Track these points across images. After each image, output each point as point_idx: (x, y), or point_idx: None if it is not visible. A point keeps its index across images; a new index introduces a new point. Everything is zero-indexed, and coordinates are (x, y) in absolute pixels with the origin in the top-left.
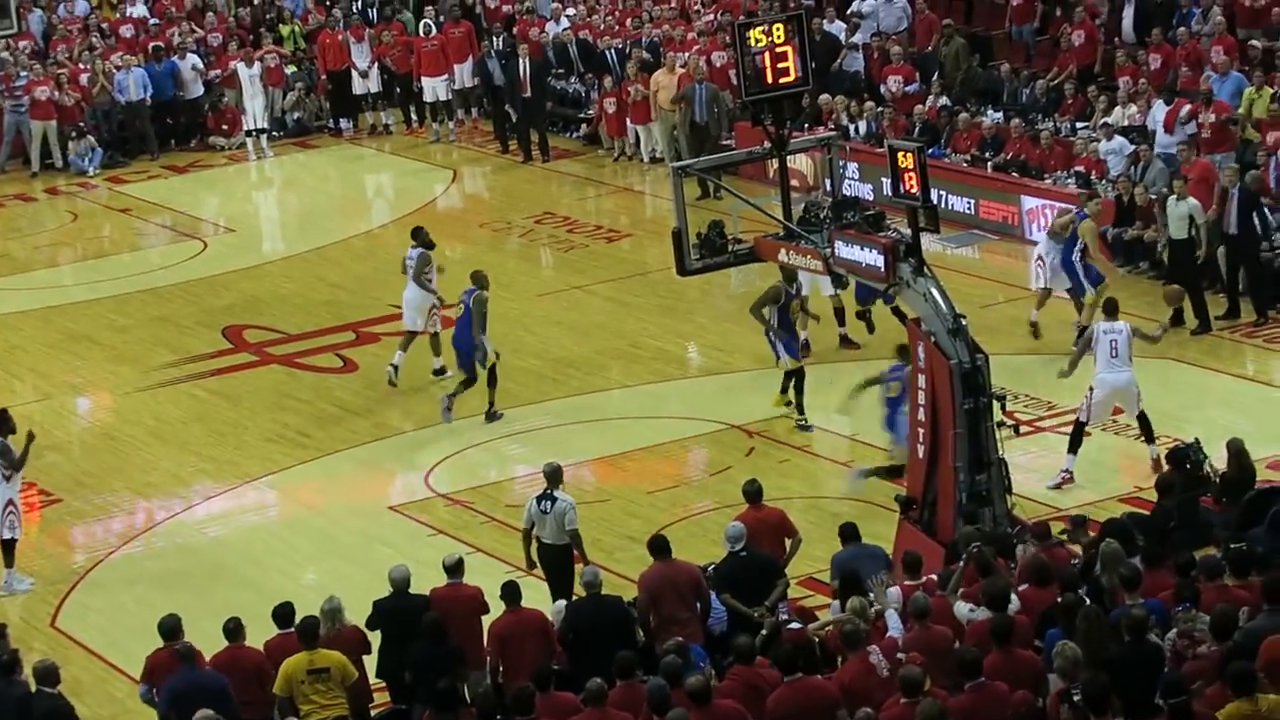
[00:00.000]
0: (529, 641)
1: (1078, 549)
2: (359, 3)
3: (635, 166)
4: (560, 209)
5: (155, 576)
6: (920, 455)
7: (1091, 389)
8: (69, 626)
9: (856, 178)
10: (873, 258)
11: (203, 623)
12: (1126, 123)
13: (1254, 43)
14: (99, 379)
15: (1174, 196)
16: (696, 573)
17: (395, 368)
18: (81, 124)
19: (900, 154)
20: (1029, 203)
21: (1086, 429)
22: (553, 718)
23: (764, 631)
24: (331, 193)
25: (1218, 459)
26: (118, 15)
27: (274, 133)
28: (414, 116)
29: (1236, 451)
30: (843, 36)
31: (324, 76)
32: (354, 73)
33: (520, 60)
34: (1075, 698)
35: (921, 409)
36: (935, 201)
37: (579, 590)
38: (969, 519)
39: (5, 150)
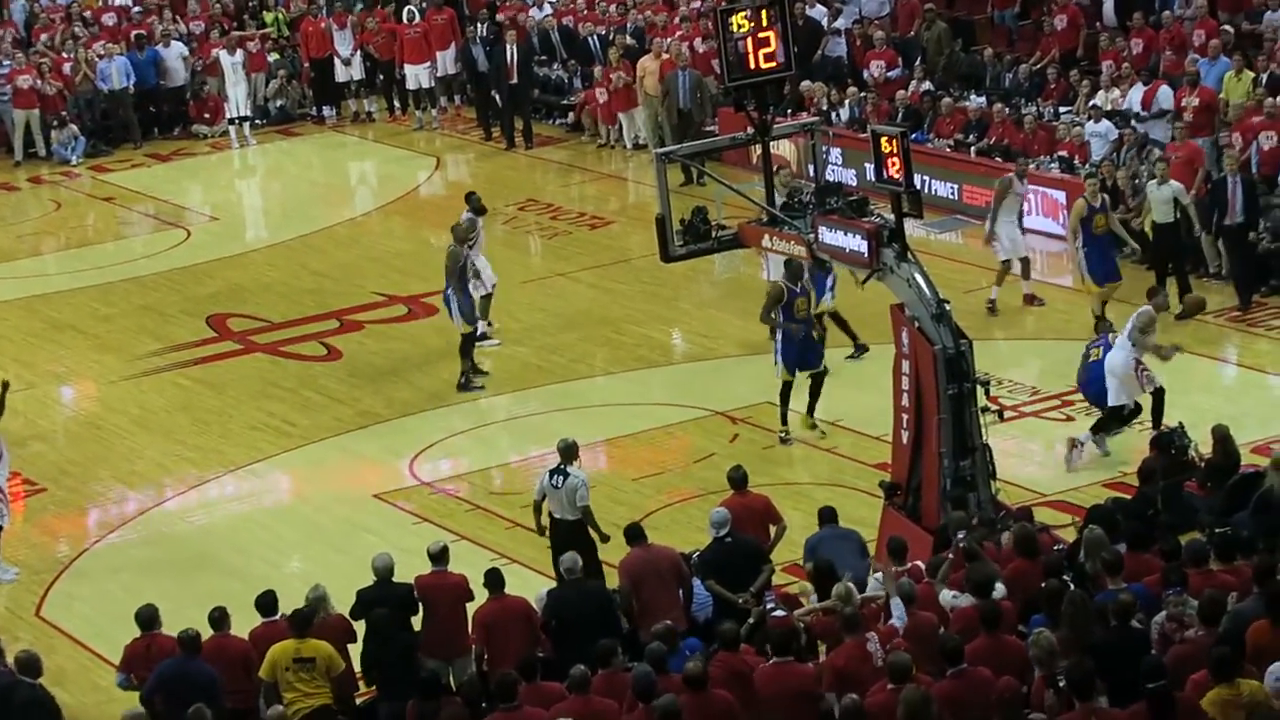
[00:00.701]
0: (513, 629)
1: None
2: None
3: (619, 153)
4: (544, 196)
5: (140, 565)
6: (904, 441)
7: None
8: (54, 616)
9: (840, 163)
10: (856, 243)
11: (188, 611)
12: (1110, 107)
13: (1226, 27)
14: (83, 368)
15: (1155, 180)
16: (677, 557)
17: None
18: (64, 113)
19: (883, 139)
20: None
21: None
22: (537, 705)
23: (750, 620)
24: (315, 180)
25: (1203, 444)
26: (100, 3)
27: (257, 120)
28: (397, 104)
29: (1221, 438)
30: (825, 22)
31: (307, 64)
32: (337, 60)
33: (506, 46)
34: (1060, 683)
35: (905, 394)
36: (919, 187)
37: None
38: (956, 504)
39: None
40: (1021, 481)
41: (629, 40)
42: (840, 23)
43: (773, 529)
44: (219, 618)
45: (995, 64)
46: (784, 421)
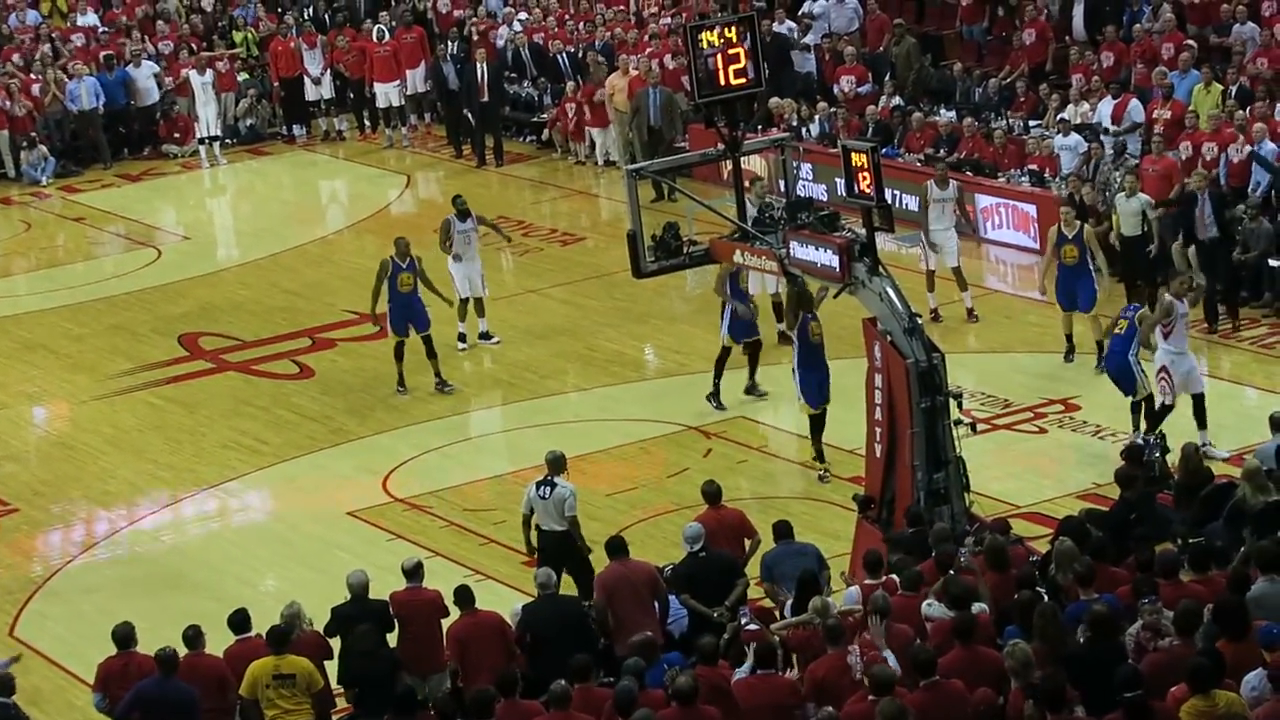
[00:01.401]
0: (488, 644)
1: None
2: (311, 9)
3: (590, 170)
4: (515, 213)
5: (113, 585)
6: (878, 454)
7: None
8: (28, 635)
9: (810, 178)
10: (828, 258)
11: (162, 630)
12: (1079, 120)
13: (1189, 42)
14: (55, 388)
15: (1124, 193)
16: (653, 572)
17: (463, 335)
18: (34, 133)
19: (854, 154)
20: (983, 201)
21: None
22: None
23: (725, 636)
24: (285, 199)
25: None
26: (68, 24)
27: (227, 140)
28: (367, 122)
29: (1186, 457)
30: (794, 37)
31: (277, 83)
32: (306, 79)
33: (476, 64)
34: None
35: (878, 408)
36: (889, 201)
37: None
38: (913, 520)
39: None
40: (994, 494)
41: (599, 58)
42: (809, 38)
43: (747, 543)
44: (193, 636)
45: (965, 78)
46: (820, 458)
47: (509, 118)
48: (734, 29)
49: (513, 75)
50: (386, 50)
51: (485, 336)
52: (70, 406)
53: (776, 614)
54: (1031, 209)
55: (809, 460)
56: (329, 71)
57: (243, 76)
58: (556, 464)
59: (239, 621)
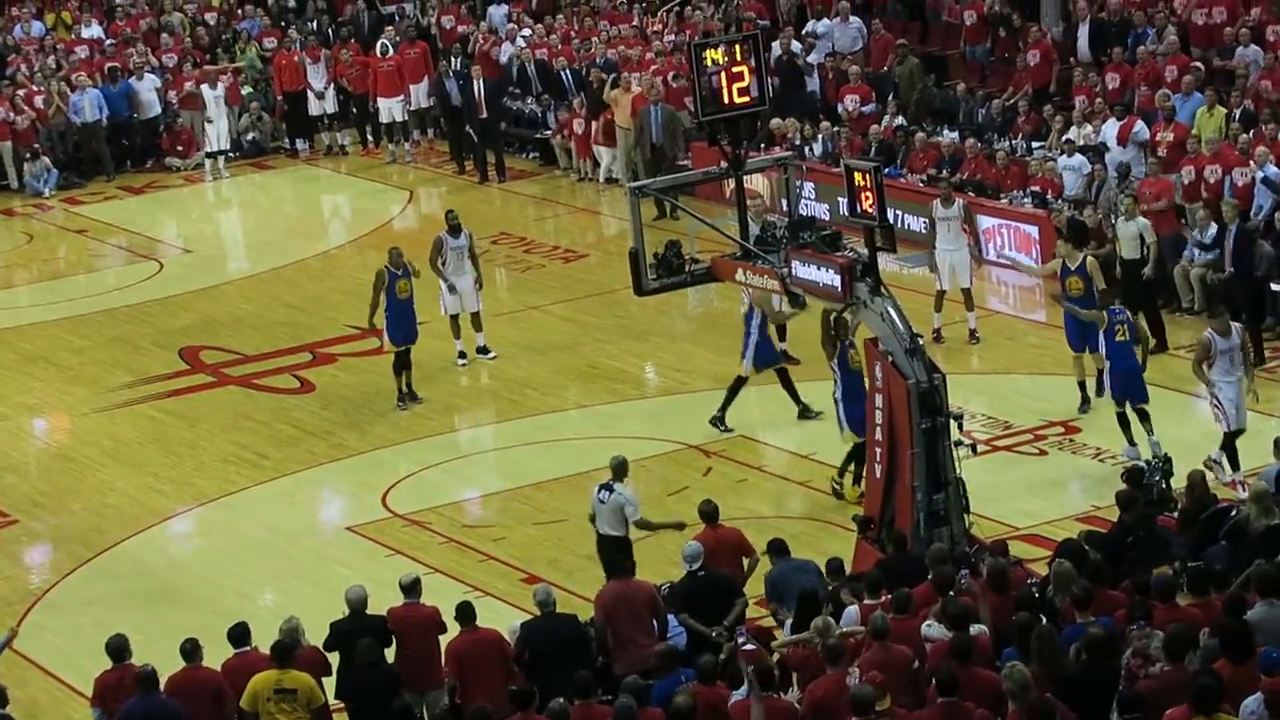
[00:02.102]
0: (486, 661)
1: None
2: (315, 24)
3: (592, 187)
4: (517, 229)
5: (112, 597)
6: (878, 475)
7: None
8: (26, 647)
9: (813, 198)
10: (829, 277)
11: (160, 643)
12: (1083, 142)
13: (1196, 64)
14: (55, 400)
15: (1123, 216)
16: (653, 591)
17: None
18: (37, 145)
19: (857, 173)
20: (985, 222)
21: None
22: None
23: (722, 655)
24: (288, 214)
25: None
26: (72, 36)
27: (230, 153)
28: (370, 137)
29: (1192, 485)
30: (800, 57)
31: (280, 97)
32: (310, 94)
33: (475, 81)
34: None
35: (879, 428)
36: (892, 221)
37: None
38: (898, 543)
39: None
40: (994, 515)
41: (603, 75)
42: (813, 57)
43: (745, 562)
44: (191, 649)
45: (968, 99)
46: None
47: (511, 134)
48: (739, 47)
49: (517, 91)
50: (390, 65)
51: (483, 351)
52: (71, 419)
53: (776, 633)
54: (1034, 230)
55: (809, 480)
56: (332, 86)
57: (246, 90)
58: (619, 469)
59: (238, 635)
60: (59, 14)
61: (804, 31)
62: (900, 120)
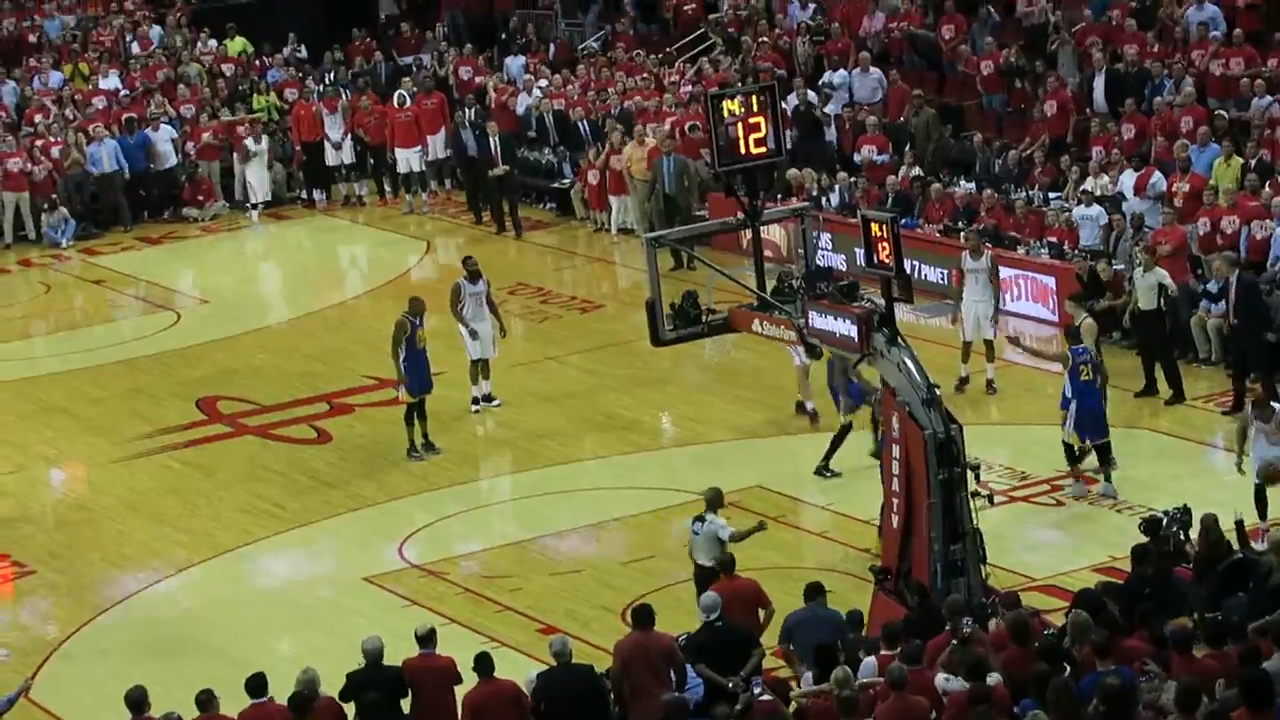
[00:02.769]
0: (503, 712)
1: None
2: (332, 74)
3: (608, 237)
4: (534, 280)
5: (128, 648)
6: (895, 525)
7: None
8: (42, 698)
9: (829, 248)
10: (846, 328)
11: (176, 694)
12: (1100, 192)
13: (1220, 112)
14: (73, 450)
15: (1141, 268)
16: (671, 644)
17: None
18: (54, 195)
19: (874, 224)
20: (1003, 272)
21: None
22: None
23: (739, 707)
24: (305, 264)
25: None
26: (90, 87)
27: (248, 205)
28: (387, 188)
29: (1204, 529)
30: (816, 107)
31: (298, 148)
32: (327, 144)
33: (490, 137)
34: None
35: (895, 479)
36: (909, 271)
37: None
38: (919, 592)
39: None
40: (1011, 566)
41: (618, 125)
42: (830, 108)
43: (761, 614)
44: (206, 700)
45: (984, 149)
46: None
47: (529, 184)
48: (755, 98)
49: (534, 137)
50: (408, 116)
51: (488, 399)
52: (88, 469)
53: (794, 684)
54: (1051, 281)
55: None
56: (350, 136)
57: (265, 140)
58: (713, 501)
59: (256, 686)
60: (76, 65)
61: (820, 82)
62: (917, 170)
